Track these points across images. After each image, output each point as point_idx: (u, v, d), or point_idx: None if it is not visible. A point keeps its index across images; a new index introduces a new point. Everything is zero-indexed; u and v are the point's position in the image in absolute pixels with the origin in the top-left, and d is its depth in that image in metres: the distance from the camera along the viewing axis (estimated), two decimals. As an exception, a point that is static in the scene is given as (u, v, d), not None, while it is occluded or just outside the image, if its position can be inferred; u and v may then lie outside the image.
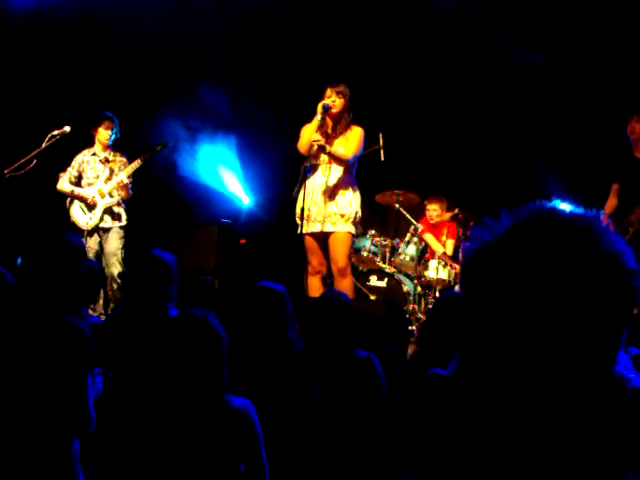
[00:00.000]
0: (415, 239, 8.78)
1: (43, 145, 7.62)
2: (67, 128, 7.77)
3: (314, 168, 6.95)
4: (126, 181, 8.01)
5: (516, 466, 1.13)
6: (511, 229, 1.17)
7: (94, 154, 8.29)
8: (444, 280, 8.69)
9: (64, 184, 8.24)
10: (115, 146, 8.37)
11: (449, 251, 9.14)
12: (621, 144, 7.21)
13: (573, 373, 1.10)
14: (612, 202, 7.11)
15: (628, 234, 6.66)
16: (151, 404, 3.37)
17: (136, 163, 8.14)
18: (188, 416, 3.25)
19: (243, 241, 10.10)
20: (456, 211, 9.09)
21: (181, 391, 3.27)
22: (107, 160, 8.24)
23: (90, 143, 8.34)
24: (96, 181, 8.18)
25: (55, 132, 7.72)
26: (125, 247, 8.19)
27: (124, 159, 8.24)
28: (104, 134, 8.20)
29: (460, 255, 9.07)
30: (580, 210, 1.18)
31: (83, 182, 8.25)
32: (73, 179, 8.26)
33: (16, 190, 7.80)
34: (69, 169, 8.28)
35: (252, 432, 3.35)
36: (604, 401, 1.16)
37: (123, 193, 8.15)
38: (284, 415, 4.20)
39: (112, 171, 8.16)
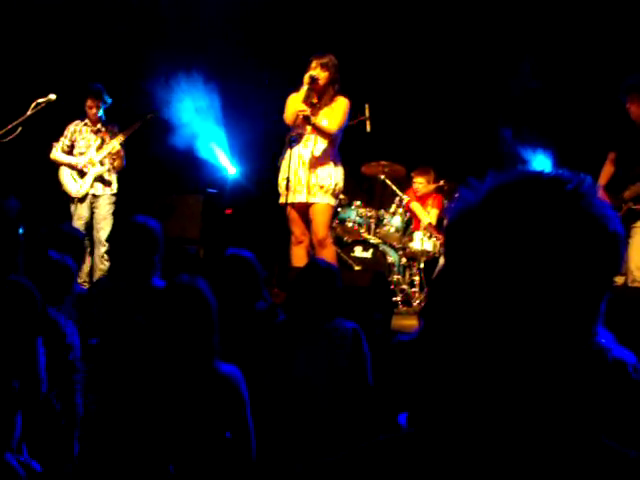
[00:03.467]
0: (400, 210, 8.78)
1: (28, 112, 7.58)
2: (52, 96, 7.72)
3: (299, 138, 6.95)
4: (117, 148, 8.04)
5: (489, 436, 1.14)
6: (496, 188, 1.17)
7: (86, 124, 8.36)
8: (429, 252, 8.71)
9: (57, 153, 8.30)
10: (107, 115, 8.41)
11: (433, 221, 9.15)
12: (620, 112, 7.18)
13: (553, 338, 1.11)
14: (608, 170, 7.03)
15: (621, 211, 6.66)
16: (138, 371, 3.38)
17: (126, 132, 8.21)
18: (176, 381, 3.25)
19: (229, 211, 10.08)
20: (441, 183, 9.11)
21: (170, 357, 3.27)
22: (99, 130, 8.31)
23: (83, 112, 8.37)
24: (87, 150, 8.25)
25: (40, 100, 7.67)
26: (114, 215, 8.22)
27: (115, 129, 8.29)
28: (91, 108, 8.26)
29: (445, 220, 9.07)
30: (568, 172, 1.18)
31: (75, 151, 8.31)
32: (66, 148, 8.32)
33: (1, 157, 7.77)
34: (62, 138, 8.34)
35: (239, 399, 3.37)
36: (584, 370, 1.17)
37: (117, 162, 8.23)
38: (265, 384, 4.22)
39: (103, 140, 8.22)
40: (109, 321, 4.43)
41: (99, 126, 8.32)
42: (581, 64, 8.86)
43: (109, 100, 8.36)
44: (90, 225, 8.16)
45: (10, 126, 7.47)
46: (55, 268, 3.97)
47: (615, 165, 7.05)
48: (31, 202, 8.70)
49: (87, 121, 8.35)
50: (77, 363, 3.64)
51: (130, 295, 4.56)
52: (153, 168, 9.15)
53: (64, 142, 8.32)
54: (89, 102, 8.24)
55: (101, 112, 8.31)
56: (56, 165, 8.31)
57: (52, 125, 8.36)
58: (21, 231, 3.30)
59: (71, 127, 8.37)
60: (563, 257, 1.09)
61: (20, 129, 7.49)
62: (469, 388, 1.16)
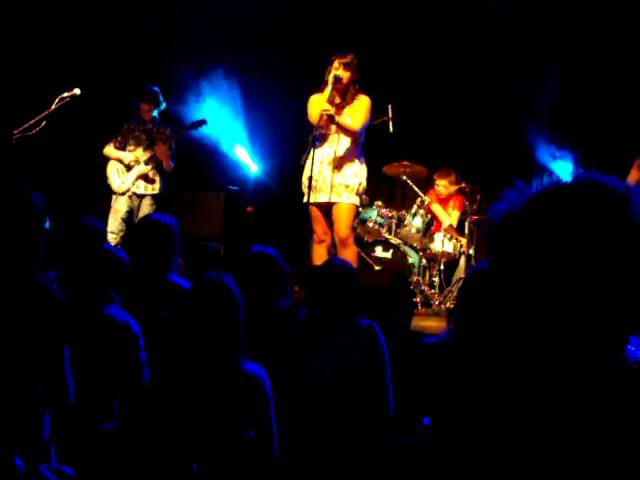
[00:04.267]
0: (421, 211, 8.76)
1: (52, 107, 7.61)
2: (77, 90, 7.74)
3: (323, 138, 6.97)
4: (162, 151, 8.18)
5: (523, 436, 1.15)
6: (544, 192, 1.17)
7: (139, 123, 8.52)
8: (449, 253, 8.69)
9: (108, 148, 8.49)
10: (162, 118, 8.59)
11: (454, 223, 9.13)
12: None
13: (590, 345, 1.11)
14: (634, 176, 6.98)
15: None
16: (163, 368, 3.38)
17: (173, 137, 8.36)
18: (202, 380, 3.23)
19: (250, 209, 10.10)
20: (463, 184, 9.09)
21: (196, 355, 3.25)
22: (150, 131, 8.43)
23: (133, 112, 8.57)
24: (136, 148, 8.38)
25: (65, 94, 7.70)
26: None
27: (167, 131, 8.40)
28: (144, 111, 8.45)
29: (466, 226, 9.07)
30: (615, 179, 1.18)
31: (126, 149, 8.48)
32: (118, 145, 8.50)
33: (29, 151, 7.84)
34: (117, 136, 8.53)
35: (264, 399, 3.35)
36: (615, 376, 1.18)
37: (164, 163, 8.32)
38: (285, 383, 4.22)
39: (153, 141, 8.30)
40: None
41: (151, 126, 8.46)
42: (605, 71, 8.82)
43: (163, 104, 8.54)
44: (126, 222, 8.26)
45: (34, 120, 7.50)
46: (112, 261, 3.95)
47: None
48: (64, 196, 8.85)
49: (140, 121, 8.51)
50: (145, 363, 3.68)
51: (147, 291, 4.58)
52: (176, 165, 9.19)
53: (117, 139, 8.50)
54: (143, 105, 8.43)
55: (155, 113, 8.49)
56: (106, 159, 8.47)
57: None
58: (47, 225, 3.30)
59: (125, 126, 8.55)
60: (607, 265, 1.09)
61: (44, 123, 7.51)
62: (503, 390, 1.16)
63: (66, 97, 7.67)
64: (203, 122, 8.40)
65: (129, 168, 8.33)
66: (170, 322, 3.44)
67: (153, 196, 8.36)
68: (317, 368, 4.20)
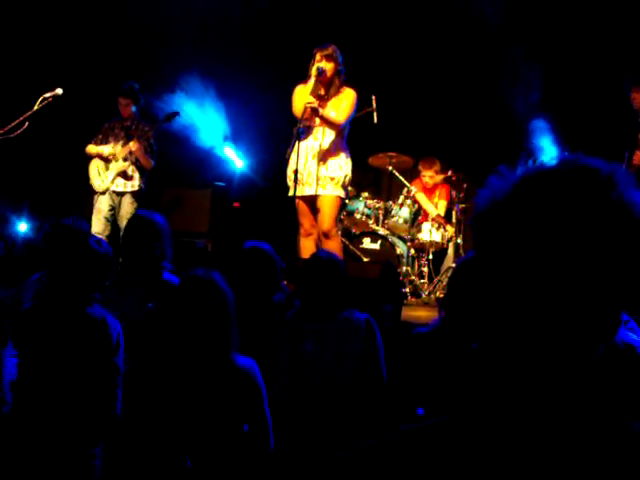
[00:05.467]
0: (408, 201, 8.76)
1: (35, 107, 7.56)
2: (59, 90, 7.70)
3: (307, 131, 6.95)
4: (137, 146, 8.14)
5: (522, 422, 1.14)
6: (528, 177, 1.16)
7: (119, 121, 8.51)
8: (437, 242, 8.70)
9: (89, 146, 8.48)
10: (141, 114, 8.58)
11: (441, 212, 9.15)
12: (627, 111, 7.23)
13: (580, 329, 1.11)
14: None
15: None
16: (154, 364, 3.37)
17: (147, 131, 8.32)
18: (194, 374, 3.25)
19: (237, 204, 10.08)
20: (449, 173, 9.09)
21: (188, 350, 3.26)
22: (128, 128, 8.41)
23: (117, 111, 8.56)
24: (116, 146, 8.37)
25: (47, 94, 7.66)
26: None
27: (146, 128, 8.37)
28: (122, 106, 8.45)
29: (454, 214, 9.09)
30: (601, 161, 1.17)
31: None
32: (99, 143, 8.47)
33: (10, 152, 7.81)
34: (98, 134, 8.51)
35: (257, 392, 3.36)
36: (605, 358, 1.17)
37: (142, 160, 8.31)
38: (280, 377, 4.22)
39: (131, 137, 8.26)
40: (120, 314, 4.44)
41: (129, 123, 8.44)
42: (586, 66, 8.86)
43: (142, 100, 8.54)
44: (109, 221, 8.25)
45: (17, 121, 7.45)
46: (96, 258, 3.91)
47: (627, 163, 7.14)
48: (50, 197, 8.82)
49: (120, 118, 8.50)
50: (120, 366, 3.66)
51: (139, 288, 4.58)
52: (162, 163, 9.15)
53: (99, 138, 8.48)
54: (120, 99, 8.42)
55: (134, 109, 8.48)
56: (89, 159, 8.45)
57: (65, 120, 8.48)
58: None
59: (106, 124, 8.55)
60: (594, 249, 1.08)
61: (27, 124, 7.47)
62: (495, 378, 1.16)
63: (48, 97, 7.62)
64: (176, 114, 8.39)
65: (108, 166, 8.32)
66: (160, 317, 3.44)
67: (133, 193, 8.33)
68: (313, 360, 4.19)
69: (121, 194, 8.32)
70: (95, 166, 8.39)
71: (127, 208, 8.25)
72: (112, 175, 8.29)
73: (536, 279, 1.10)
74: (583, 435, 1.13)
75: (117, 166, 8.29)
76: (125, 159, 8.29)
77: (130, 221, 5.14)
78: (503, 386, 1.15)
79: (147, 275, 4.63)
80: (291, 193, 6.93)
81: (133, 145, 8.20)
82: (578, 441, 1.12)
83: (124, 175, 8.31)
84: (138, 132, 8.31)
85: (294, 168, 6.80)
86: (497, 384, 1.16)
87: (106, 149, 8.34)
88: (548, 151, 8.76)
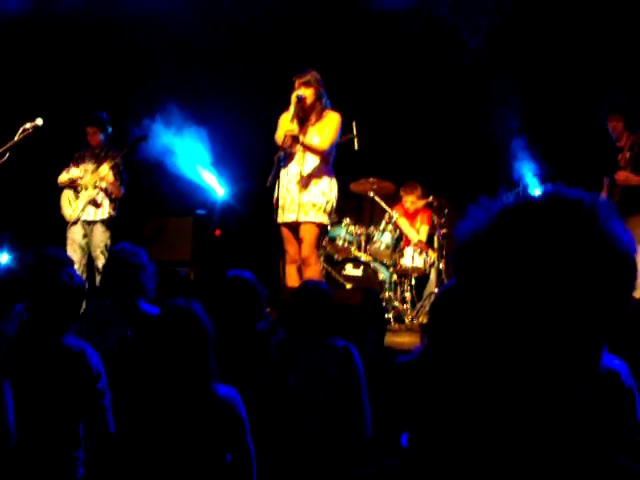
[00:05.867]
0: (390, 227, 8.78)
1: (15, 138, 7.55)
2: (39, 121, 7.69)
3: (290, 157, 6.95)
4: (105, 172, 8.08)
5: (501, 454, 1.13)
6: (510, 209, 1.15)
7: (89, 149, 8.49)
8: (419, 268, 8.71)
9: (61, 175, 8.42)
10: (110, 143, 8.53)
11: (423, 238, 9.17)
12: (604, 136, 7.32)
13: (562, 359, 1.10)
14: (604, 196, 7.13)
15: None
16: (134, 394, 3.36)
17: (116, 157, 8.26)
18: (175, 405, 3.23)
19: (218, 232, 10.07)
20: (430, 199, 9.12)
21: (167, 381, 3.25)
22: (98, 156, 8.38)
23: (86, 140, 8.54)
24: (85, 174, 8.33)
25: (27, 125, 7.65)
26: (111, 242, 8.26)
27: (114, 154, 8.33)
28: (90, 135, 8.43)
29: (435, 240, 9.11)
30: (584, 192, 1.17)
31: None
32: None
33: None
34: (70, 163, 8.46)
35: (238, 421, 3.35)
36: (589, 388, 1.16)
37: (111, 189, 8.27)
38: (261, 405, 4.21)
39: (99, 166, 8.22)
40: (99, 343, 4.44)
41: (98, 151, 8.42)
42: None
43: (110, 128, 8.51)
44: (85, 250, 8.17)
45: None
46: (67, 290, 3.91)
47: (608, 188, 7.21)
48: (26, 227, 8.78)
49: (89, 147, 8.48)
50: (105, 389, 3.66)
51: (120, 318, 4.59)
52: (143, 191, 9.14)
53: (70, 167, 8.43)
54: (88, 128, 8.40)
55: (102, 138, 8.44)
56: (61, 188, 8.41)
57: (45, 151, 8.48)
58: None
59: (76, 154, 8.51)
60: (576, 280, 1.08)
61: (8, 154, 7.45)
62: (478, 407, 1.15)
63: (28, 128, 7.62)
64: (144, 138, 8.40)
65: (78, 195, 8.27)
66: (138, 347, 3.43)
67: (104, 221, 8.27)
68: (294, 389, 4.18)
69: (92, 223, 8.27)
70: (66, 196, 8.36)
71: (99, 237, 8.21)
72: (82, 204, 8.23)
73: (518, 313, 1.09)
74: (567, 471, 1.12)
75: (87, 194, 8.25)
76: (95, 186, 8.25)
77: (112, 253, 5.15)
78: (485, 416, 1.15)
79: (127, 306, 4.65)
80: (276, 220, 6.94)
81: (102, 171, 8.16)
82: (561, 476, 1.12)
83: (94, 203, 8.26)
84: (107, 159, 8.28)
85: (277, 195, 6.80)
86: (479, 414, 1.15)
87: (76, 172, 8.31)
88: (528, 178, 8.82)
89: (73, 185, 8.31)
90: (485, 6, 8.96)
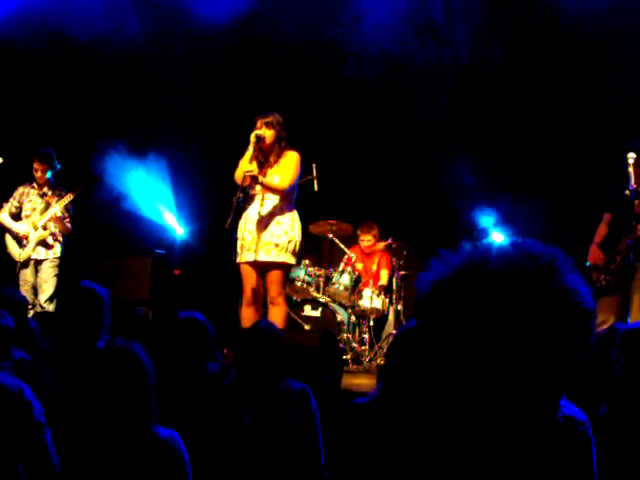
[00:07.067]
0: (349, 269, 8.81)
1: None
2: (-2, 159, 7.71)
3: (251, 198, 6.96)
4: (59, 214, 8.01)
5: None
6: (469, 263, 1.17)
7: (33, 187, 8.38)
8: (378, 309, 8.73)
9: (3, 215, 8.30)
10: (57, 180, 8.43)
11: (384, 281, 9.22)
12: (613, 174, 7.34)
13: (518, 407, 1.12)
14: (602, 231, 7.04)
15: (616, 262, 6.75)
16: (78, 437, 3.33)
17: (68, 197, 8.18)
18: (115, 447, 3.21)
19: (177, 271, 10.03)
20: (389, 241, 9.18)
21: (107, 421, 3.23)
22: (44, 194, 8.29)
23: (32, 176, 8.41)
24: (32, 213, 8.25)
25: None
26: (58, 279, 8.16)
27: (63, 193, 8.26)
28: (37, 171, 8.30)
29: (394, 282, 9.15)
30: (542, 246, 1.18)
31: (22, 214, 8.33)
32: (14, 210, 8.35)
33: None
34: (11, 200, 8.37)
35: (180, 463, 3.32)
36: (539, 429, 1.18)
37: (60, 227, 8.19)
38: (212, 447, 4.18)
39: (48, 205, 8.15)
40: (55, 385, 4.40)
41: (45, 189, 8.32)
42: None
43: (58, 166, 8.40)
44: (36, 289, 8.10)
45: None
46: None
47: (609, 226, 7.16)
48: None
49: (34, 184, 8.36)
50: (42, 420, 3.61)
51: (76, 358, 4.54)
52: (101, 230, 9.10)
53: (13, 203, 8.34)
54: (35, 165, 8.28)
55: (49, 175, 8.31)
56: (3, 227, 8.29)
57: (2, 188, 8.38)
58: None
59: (20, 189, 8.39)
60: (532, 333, 1.09)
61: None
62: (433, 450, 1.16)
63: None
64: (95, 180, 8.38)
65: (22, 239, 8.19)
66: (87, 387, 3.41)
67: (53, 260, 8.26)
68: (246, 431, 4.16)
69: (41, 261, 8.24)
70: (11, 236, 8.29)
71: (47, 272, 8.19)
72: (32, 244, 8.18)
73: (475, 362, 1.11)
74: None
75: (37, 234, 8.19)
76: (45, 227, 8.19)
77: (75, 291, 5.10)
78: (438, 460, 1.16)
79: (83, 345, 4.59)
80: (235, 259, 6.92)
81: (55, 212, 8.10)
82: None
83: (44, 244, 8.22)
84: (57, 198, 8.20)
85: (238, 235, 6.81)
86: (432, 458, 1.17)
87: (21, 228, 8.20)
88: (487, 224, 8.91)
89: (17, 237, 8.22)
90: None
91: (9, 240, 8.26)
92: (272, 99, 8.66)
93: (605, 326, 6.19)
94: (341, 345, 8.04)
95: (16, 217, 8.31)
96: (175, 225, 9.99)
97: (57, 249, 8.27)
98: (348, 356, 8.21)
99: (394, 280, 9.18)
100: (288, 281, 8.54)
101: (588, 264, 6.79)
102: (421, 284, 1.20)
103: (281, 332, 4.51)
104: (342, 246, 9.03)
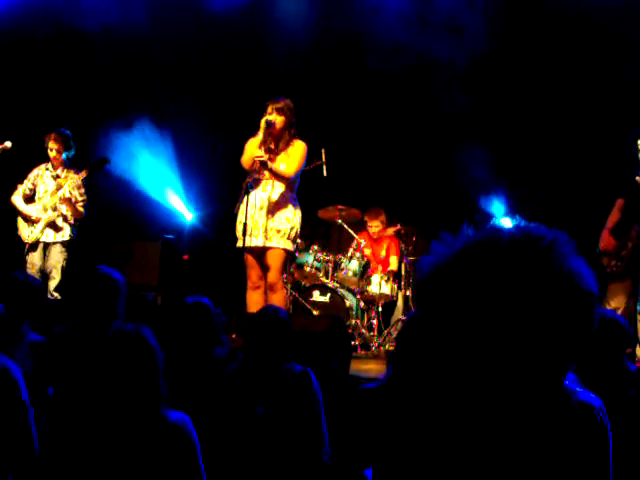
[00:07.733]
0: (358, 254, 8.80)
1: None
2: (8, 143, 7.70)
3: (256, 183, 6.96)
4: (67, 195, 7.93)
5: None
6: (470, 245, 1.17)
7: (48, 169, 8.29)
8: (386, 295, 8.73)
9: (15, 198, 8.24)
10: (72, 162, 8.34)
11: (394, 267, 9.21)
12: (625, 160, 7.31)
13: (523, 389, 1.11)
14: (615, 216, 7.04)
15: (627, 249, 6.73)
16: (88, 421, 3.33)
17: (76, 178, 8.07)
18: (125, 431, 3.21)
19: (186, 257, 10.04)
20: (398, 227, 9.17)
21: (118, 406, 3.23)
22: (58, 176, 8.20)
23: (47, 157, 8.31)
24: (45, 195, 8.16)
25: (-4, 145, 7.64)
26: (68, 263, 8.12)
27: (75, 176, 8.14)
28: (52, 150, 8.17)
29: (402, 268, 9.15)
30: (543, 229, 1.17)
31: (36, 196, 8.26)
32: (28, 192, 8.26)
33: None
34: (25, 181, 8.29)
35: (191, 447, 3.32)
36: (550, 414, 1.18)
37: (70, 209, 8.09)
38: (219, 430, 4.19)
39: (60, 186, 8.06)
40: (68, 370, 4.41)
41: (59, 171, 8.22)
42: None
43: (73, 151, 8.27)
44: (44, 273, 8.04)
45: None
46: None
47: (622, 212, 7.12)
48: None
49: (49, 165, 8.27)
50: (27, 400, 3.62)
51: (90, 343, 4.54)
52: (110, 215, 9.10)
53: (27, 185, 8.26)
54: (51, 143, 8.15)
55: (64, 156, 8.21)
56: (15, 210, 8.24)
57: (15, 172, 8.36)
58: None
59: (35, 171, 8.31)
60: (534, 313, 1.09)
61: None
62: (442, 435, 1.16)
63: (-4, 150, 7.61)
64: (105, 161, 8.26)
65: (34, 221, 8.11)
66: (99, 373, 3.40)
67: (63, 242, 8.13)
68: (251, 415, 4.17)
69: (49, 245, 8.12)
70: (23, 218, 8.22)
71: (56, 257, 8.07)
72: (41, 225, 8.08)
73: (476, 345, 1.11)
74: None
75: (47, 216, 8.09)
76: (54, 209, 8.11)
77: (92, 277, 5.08)
78: (448, 444, 1.16)
79: (98, 330, 4.60)
80: (239, 244, 6.92)
81: (64, 194, 8.00)
82: None
83: (54, 226, 8.12)
84: (68, 180, 8.10)
85: (242, 221, 6.81)
86: (441, 442, 1.17)
87: (33, 212, 8.12)
88: (494, 208, 8.88)
89: (29, 220, 8.15)
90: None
91: (20, 222, 8.18)
92: (282, 84, 8.65)
93: (619, 312, 6.20)
94: (350, 331, 8.04)
95: (30, 199, 8.24)
96: (184, 210, 10.00)
97: (66, 232, 8.14)
98: (357, 342, 8.21)
99: (403, 266, 9.18)
100: (297, 266, 8.56)
101: (599, 249, 6.78)
102: (421, 266, 1.20)
103: (287, 317, 4.51)
104: (350, 231, 9.01)
